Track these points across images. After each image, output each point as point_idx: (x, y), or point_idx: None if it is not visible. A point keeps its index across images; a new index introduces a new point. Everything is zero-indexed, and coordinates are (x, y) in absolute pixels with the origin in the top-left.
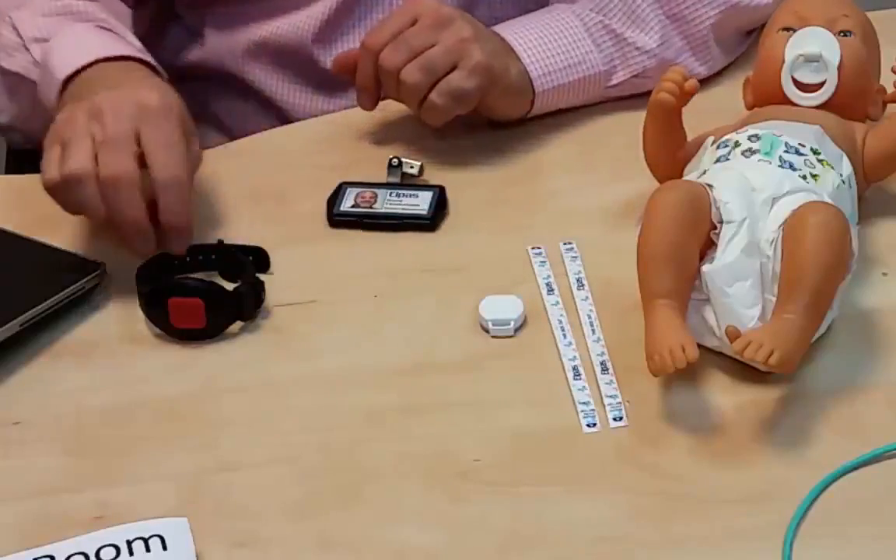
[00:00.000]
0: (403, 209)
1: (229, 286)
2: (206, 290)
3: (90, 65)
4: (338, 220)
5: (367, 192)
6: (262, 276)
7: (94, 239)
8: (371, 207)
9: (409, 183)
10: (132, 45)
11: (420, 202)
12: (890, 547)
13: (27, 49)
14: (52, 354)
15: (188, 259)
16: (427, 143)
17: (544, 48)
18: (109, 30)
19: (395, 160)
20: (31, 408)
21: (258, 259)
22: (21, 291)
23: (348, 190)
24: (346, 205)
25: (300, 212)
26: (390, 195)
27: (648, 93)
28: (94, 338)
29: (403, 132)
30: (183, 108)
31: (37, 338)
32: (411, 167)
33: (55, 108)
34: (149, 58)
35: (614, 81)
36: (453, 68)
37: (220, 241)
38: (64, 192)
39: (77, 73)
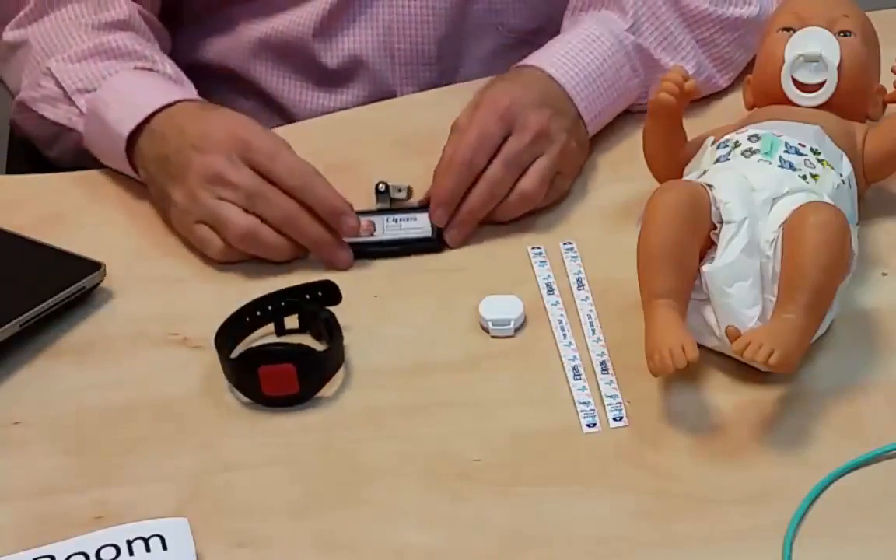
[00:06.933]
0: (406, 233)
1: (315, 344)
2: (297, 353)
3: (150, 116)
4: None
5: (364, 221)
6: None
7: (94, 239)
8: (371, 236)
9: (401, 207)
10: (173, 84)
11: (419, 224)
12: (890, 547)
13: (72, 101)
14: (52, 354)
15: (258, 313)
16: (421, 146)
17: (594, 87)
18: (150, 69)
19: (382, 186)
20: (31, 408)
21: (328, 294)
22: (21, 291)
23: None
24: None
25: None
26: (387, 221)
27: None
28: (94, 338)
29: (398, 135)
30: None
31: (37, 338)
32: (399, 191)
33: (122, 159)
34: (188, 90)
35: (642, 102)
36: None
37: (289, 290)
38: (240, 254)
39: (139, 126)
